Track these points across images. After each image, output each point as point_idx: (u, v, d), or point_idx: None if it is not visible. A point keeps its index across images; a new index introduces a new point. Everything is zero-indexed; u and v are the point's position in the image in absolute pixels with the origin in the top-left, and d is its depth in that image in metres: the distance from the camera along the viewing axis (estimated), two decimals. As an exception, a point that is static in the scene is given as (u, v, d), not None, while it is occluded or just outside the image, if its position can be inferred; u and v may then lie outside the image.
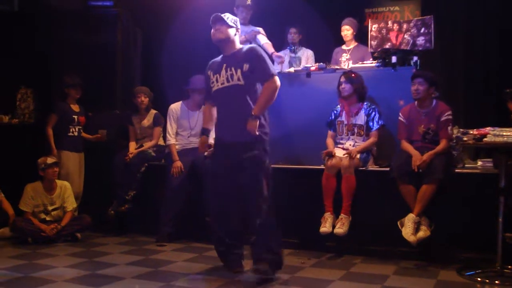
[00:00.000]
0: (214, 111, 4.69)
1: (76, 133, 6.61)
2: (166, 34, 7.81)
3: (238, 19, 4.58)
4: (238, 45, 4.54)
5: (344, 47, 6.81)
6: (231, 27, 4.44)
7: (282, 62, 6.52)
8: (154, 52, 8.00)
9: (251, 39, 6.51)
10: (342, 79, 5.55)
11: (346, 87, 5.51)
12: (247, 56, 4.39)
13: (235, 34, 4.50)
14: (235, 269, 4.60)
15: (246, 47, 4.53)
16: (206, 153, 5.90)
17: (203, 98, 6.03)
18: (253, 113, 4.26)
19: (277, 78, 4.40)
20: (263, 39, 6.60)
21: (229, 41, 4.46)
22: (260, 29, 6.66)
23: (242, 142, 4.31)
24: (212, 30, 4.47)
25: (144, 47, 8.23)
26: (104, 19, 7.58)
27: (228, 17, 4.44)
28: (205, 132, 4.76)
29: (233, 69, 4.39)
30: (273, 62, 6.33)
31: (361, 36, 6.80)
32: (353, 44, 6.79)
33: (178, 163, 5.93)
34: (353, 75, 5.56)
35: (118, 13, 7.59)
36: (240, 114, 4.33)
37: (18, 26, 7.70)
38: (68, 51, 7.48)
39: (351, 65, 6.11)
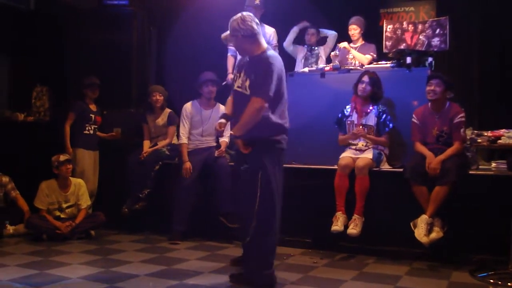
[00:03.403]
0: None
1: (91, 132, 6.67)
2: (180, 32, 7.82)
3: (249, 18, 4.18)
4: (262, 47, 4.23)
5: (351, 44, 6.78)
6: (243, 36, 4.15)
7: None
8: (168, 51, 8.02)
9: None
10: (365, 79, 5.52)
11: (367, 88, 5.50)
12: (256, 67, 4.16)
13: (253, 37, 4.16)
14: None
15: (264, 55, 4.18)
16: (216, 154, 5.94)
17: (210, 90, 6.12)
18: (232, 132, 4.21)
19: (262, 101, 4.03)
20: None
21: (248, 49, 4.24)
22: (273, 31, 6.67)
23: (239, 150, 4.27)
24: None
25: (158, 46, 8.26)
26: (119, 18, 7.61)
27: (234, 30, 4.19)
28: (224, 116, 4.50)
29: (245, 76, 4.21)
30: None
31: (376, 36, 6.77)
32: (360, 43, 6.78)
33: (188, 165, 5.94)
34: (375, 76, 5.55)
35: (133, 12, 7.62)
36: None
37: (33, 24, 7.77)
38: (83, 50, 7.54)
39: (365, 66, 6.10)
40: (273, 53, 4.30)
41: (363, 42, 6.79)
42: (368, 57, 6.50)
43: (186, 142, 6.11)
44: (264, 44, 4.27)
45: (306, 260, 5.08)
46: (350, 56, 6.56)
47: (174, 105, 6.70)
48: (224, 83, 6.54)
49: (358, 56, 6.52)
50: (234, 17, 4.24)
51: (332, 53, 6.46)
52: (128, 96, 7.50)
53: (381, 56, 6.43)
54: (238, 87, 4.29)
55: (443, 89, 5.07)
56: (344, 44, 6.61)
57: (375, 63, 6.17)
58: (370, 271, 4.71)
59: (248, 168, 4.15)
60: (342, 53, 6.64)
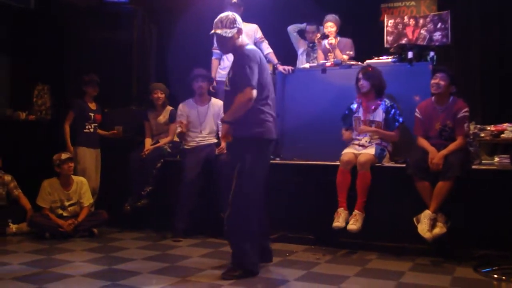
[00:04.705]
0: None
1: (92, 130, 6.67)
2: (181, 30, 7.82)
3: (236, 17, 4.39)
4: (241, 44, 4.42)
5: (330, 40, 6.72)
6: (229, 36, 4.32)
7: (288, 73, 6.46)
8: (169, 48, 8.02)
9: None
10: (360, 75, 5.50)
11: (364, 84, 5.47)
12: (235, 61, 4.42)
13: (238, 37, 4.37)
14: None
15: (243, 50, 4.37)
16: (217, 152, 5.94)
17: (199, 85, 6.16)
18: (223, 118, 4.40)
19: (250, 90, 4.20)
20: (266, 48, 6.56)
21: (233, 45, 4.41)
22: (256, 26, 6.64)
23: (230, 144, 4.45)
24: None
25: (159, 43, 8.26)
26: (119, 16, 7.63)
27: (224, 30, 4.31)
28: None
29: (230, 73, 4.45)
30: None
31: (377, 31, 6.76)
32: (336, 41, 6.69)
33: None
34: (370, 69, 5.52)
35: (133, 10, 7.64)
36: None
37: (34, 23, 7.77)
38: (84, 48, 7.55)
39: (367, 61, 6.08)
40: (251, 47, 4.51)
41: (338, 38, 6.70)
42: (344, 58, 6.45)
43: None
44: (245, 41, 4.49)
45: (309, 256, 5.08)
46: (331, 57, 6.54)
47: (175, 103, 6.69)
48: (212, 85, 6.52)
49: (339, 56, 6.47)
50: (226, 13, 4.42)
51: (318, 37, 6.57)
52: (129, 94, 7.52)
53: (382, 51, 6.40)
54: (225, 85, 4.52)
55: (448, 83, 5.04)
56: (332, 41, 6.52)
57: (376, 58, 6.13)
58: (373, 267, 4.69)
59: (228, 160, 4.39)
60: (325, 50, 6.62)
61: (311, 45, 6.99)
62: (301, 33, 7.14)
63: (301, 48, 7.07)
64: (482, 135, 4.65)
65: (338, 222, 5.09)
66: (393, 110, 5.45)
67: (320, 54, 6.69)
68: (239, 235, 4.34)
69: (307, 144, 6.06)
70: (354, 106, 5.63)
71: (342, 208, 5.17)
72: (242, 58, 4.32)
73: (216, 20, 4.39)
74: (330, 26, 6.61)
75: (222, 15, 4.39)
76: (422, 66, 5.67)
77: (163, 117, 6.54)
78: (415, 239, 4.80)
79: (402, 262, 4.82)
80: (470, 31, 7.20)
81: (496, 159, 5.26)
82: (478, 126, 4.95)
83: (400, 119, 5.45)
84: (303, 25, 7.07)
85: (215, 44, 6.50)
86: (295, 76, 6.36)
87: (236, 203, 4.27)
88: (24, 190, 6.39)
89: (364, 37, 6.93)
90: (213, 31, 4.37)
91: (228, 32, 4.31)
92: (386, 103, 5.49)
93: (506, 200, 4.63)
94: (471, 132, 5.05)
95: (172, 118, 6.51)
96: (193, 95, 6.30)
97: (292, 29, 7.13)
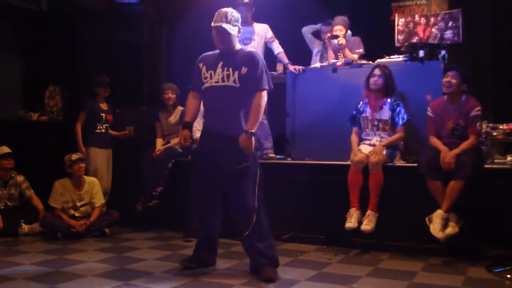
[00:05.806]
0: (200, 104, 4.58)
1: (103, 130, 6.70)
2: (191, 30, 7.82)
3: (239, 16, 4.37)
4: (238, 45, 4.42)
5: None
6: (233, 33, 4.28)
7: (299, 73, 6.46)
8: (179, 48, 8.02)
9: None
10: (377, 72, 5.45)
11: (379, 81, 5.43)
12: (248, 59, 4.29)
13: (237, 36, 4.36)
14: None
15: (247, 49, 4.47)
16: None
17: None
18: (247, 129, 4.19)
19: (264, 94, 4.26)
20: (277, 47, 6.57)
21: (233, 42, 4.36)
22: (266, 26, 6.64)
23: (230, 148, 4.23)
24: (214, 33, 4.31)
25: (169, 43, 8.27)
26: (130, 17, 7.65)
27: (229, 26, 4.24)
28: (187, 126, 4.58)
29: (230, 69, 4.26)
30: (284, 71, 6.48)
31: (388, 30, 6.73)
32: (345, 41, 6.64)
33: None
34: (386, 71, 5.47)
35: (144, 10, 7.65)
36: (230, 116, 4.28)
37: (46, 25, 7.81)
38: (95, 49, 7.58)
39: (378, 60, 6.06)
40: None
41: (347, 38, 6.66)
42: (355, 57, 6.42)
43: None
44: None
45: (320, 256, 5.06)
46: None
47: (185, 103, 6.70)
48: None
49: (349, 56, 6.44)
50: (230, 10, 4.33)
51: (328, 37, 6.52)
52: (140, 94, 7.54)
53: (393, 50, 6.38)
54: (217, 82, 4.31)
55: (460, 82, 5.00)
56: (342, 41, 6.47)
57: (387, 57, 6.10)
58: (385, 267, 4.67)
59: (247, 167, 4.24)
60: (335, 49, 6.58)
61: (325, 44, 6.96)
62: (316, 34, 7.11)
63: (315, 48, 7.05)
64: (495, 134, 4.62)
65: (351, 223, 5.08)
66: (398, 108, 5.41)
67: (330, 53, 6.66)
68: (267, 234, 4.37)
69: (318, 143, 6.05)
70: (361, 105, 5.61)
71: (354, 209, 5.16)
72: (254, 58, 4.30)
73: (219, 13, 4.28)
74: (339, 30, 6.55)
75: (226, 10, 4.30)
76: (434, 65, 5.65)
77: (174, 118, 6.55)
78: (427, 239, 4.78)
79: (414, 262, 4.80)
80: (482, 29, 7.16)
81: (509, 158, 5.21)
82: (491, 125, 4.91)
83: (406, 116, 5.40)
84: (318, 26, 7.05)
85: None
86: (305, 75, 6.36)
87: (259, 208, 4.29)
88: (36, 190, 6.42)
89: (375, 36, 6.91)
90: (217, 24, 4.24)
91: (232, 29, 4.25)
92: (392, 101, 5.46)
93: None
94: (483, 131, 5.01)
95: (183, 118, 6.51)
96: None
97: (307, 30, 7.10)
